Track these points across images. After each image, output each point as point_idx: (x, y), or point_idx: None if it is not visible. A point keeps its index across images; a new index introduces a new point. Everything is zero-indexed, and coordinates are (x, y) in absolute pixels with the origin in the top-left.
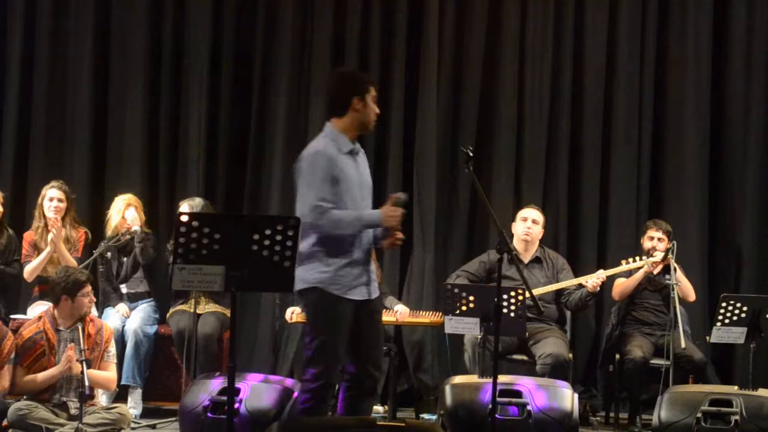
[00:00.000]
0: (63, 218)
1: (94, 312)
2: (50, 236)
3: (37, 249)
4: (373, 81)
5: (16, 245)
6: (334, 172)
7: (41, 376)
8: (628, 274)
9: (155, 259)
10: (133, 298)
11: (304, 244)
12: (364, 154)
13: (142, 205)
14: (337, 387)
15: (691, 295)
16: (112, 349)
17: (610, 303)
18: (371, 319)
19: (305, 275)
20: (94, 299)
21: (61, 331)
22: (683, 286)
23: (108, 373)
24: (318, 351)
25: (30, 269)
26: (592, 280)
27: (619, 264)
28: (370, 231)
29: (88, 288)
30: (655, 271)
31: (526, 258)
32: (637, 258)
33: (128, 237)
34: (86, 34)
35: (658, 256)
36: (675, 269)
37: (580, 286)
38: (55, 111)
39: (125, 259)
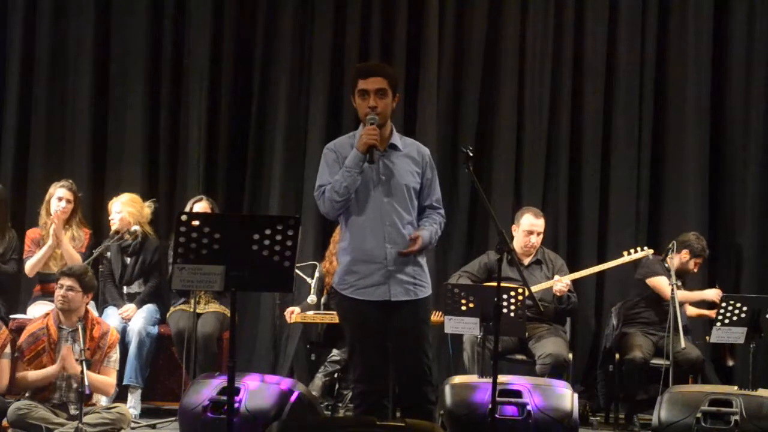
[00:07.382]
0: (70, 218)
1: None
2: (51, 229)
3: (39, 246)
4: (358, 72)
5: (17, 245)
6: None
7: (36, 373)
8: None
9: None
10: (133, 299)
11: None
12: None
13: (141, 204)
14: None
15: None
16: (114, 355)
17: (610, 303)
18: None
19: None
20: (61, 294)
21: (63, 329)
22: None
23: (107, 378)
24: None
25: (31, 264)
26: (557, 286)
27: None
28: None
29: (58, 283)
30: None
31: (527, 260)
32: (638, 249)
33: (128, 237)
34: (86, 34)
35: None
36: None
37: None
38: (55, 111)
39: (128, 260)
